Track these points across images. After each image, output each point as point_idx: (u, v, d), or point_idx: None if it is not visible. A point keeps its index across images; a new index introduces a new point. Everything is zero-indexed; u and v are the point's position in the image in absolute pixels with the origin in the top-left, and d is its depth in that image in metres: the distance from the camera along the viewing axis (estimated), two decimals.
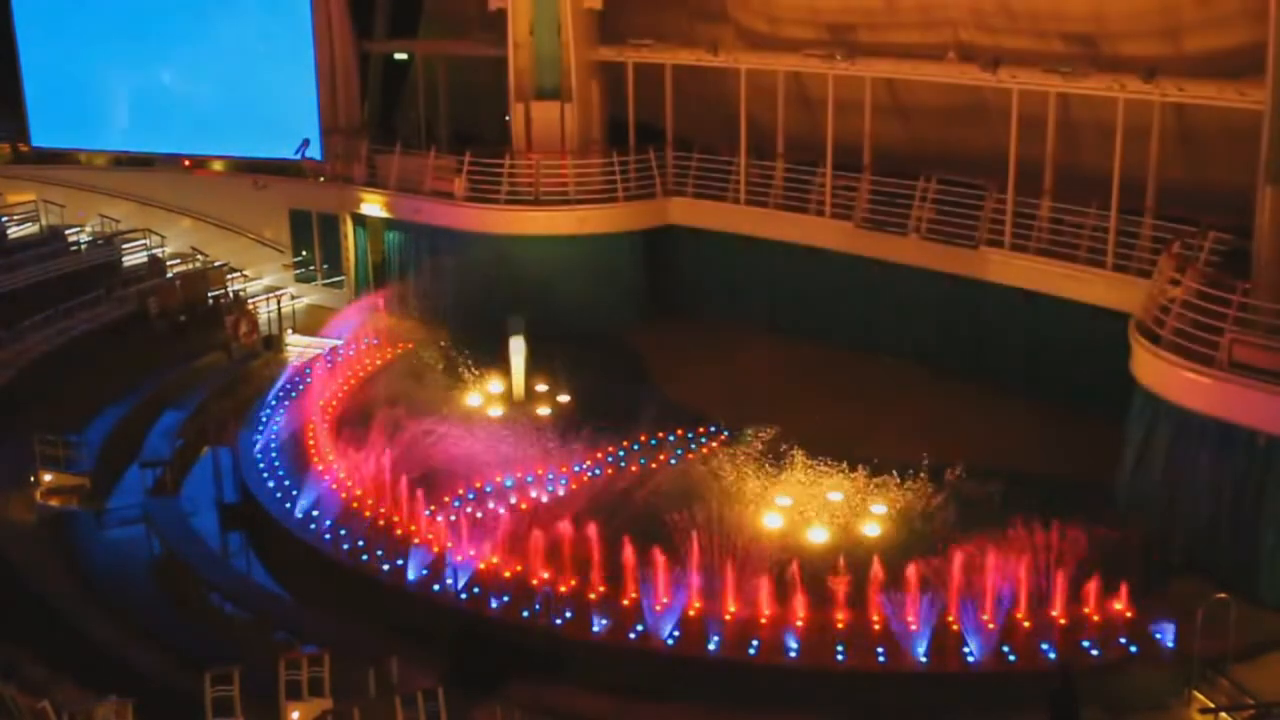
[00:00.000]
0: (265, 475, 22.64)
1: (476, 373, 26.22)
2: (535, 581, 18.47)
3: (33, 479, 22.71)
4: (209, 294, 31.92)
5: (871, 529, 20.07)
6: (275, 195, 34.45)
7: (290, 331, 31.00)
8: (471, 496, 21.17)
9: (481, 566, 18.88)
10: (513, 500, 21.16)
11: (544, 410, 25.57)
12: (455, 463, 21.99)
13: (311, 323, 31.98)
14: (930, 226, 26.67)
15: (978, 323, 26.45)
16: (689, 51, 30.86)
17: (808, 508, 20.62)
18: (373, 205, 32.25)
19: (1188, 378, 18.90)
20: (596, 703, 16.82)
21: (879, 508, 20.60)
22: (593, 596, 18.07)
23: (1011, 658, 16.67)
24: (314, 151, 34.16)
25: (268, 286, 33.85)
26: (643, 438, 23.62)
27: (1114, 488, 20.86)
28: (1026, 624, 17.10)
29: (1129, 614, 17.14)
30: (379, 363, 28.03)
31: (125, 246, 33.94)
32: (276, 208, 34.54)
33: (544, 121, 31.30)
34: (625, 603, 17.88)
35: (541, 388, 26.19)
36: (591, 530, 18.50)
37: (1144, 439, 20.06)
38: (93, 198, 35.66)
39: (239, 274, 33.83)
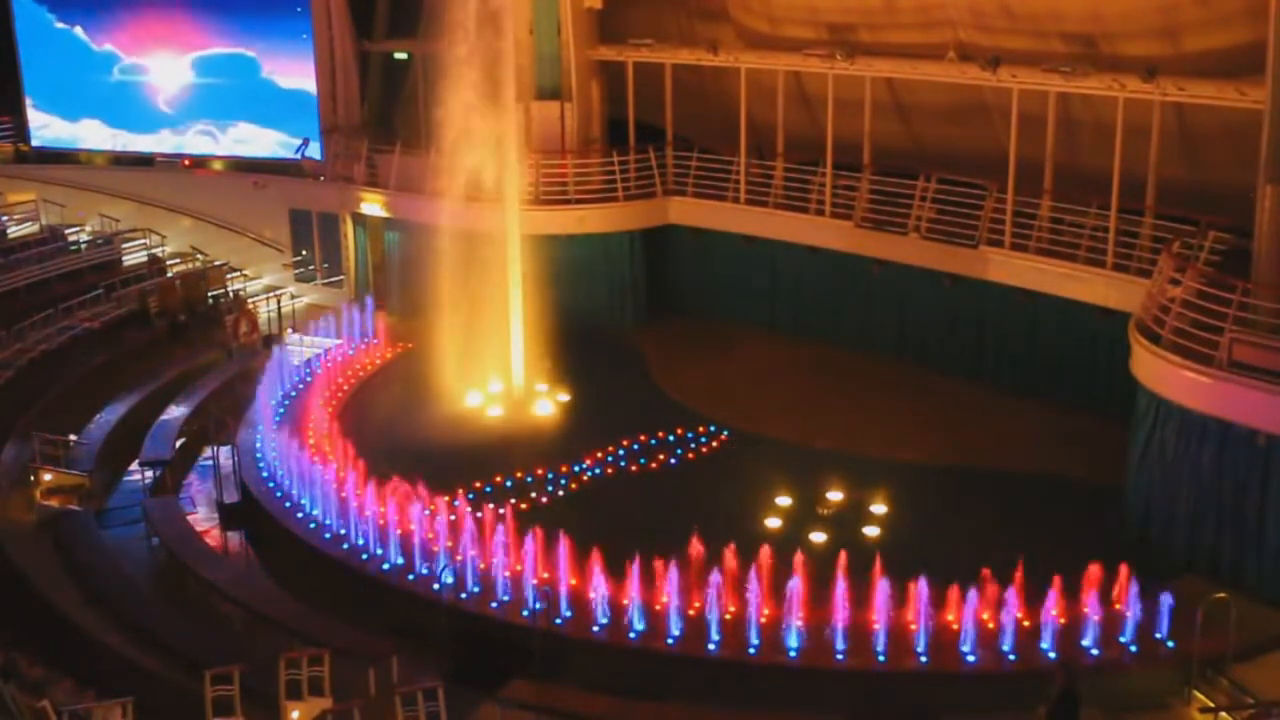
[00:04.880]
0: (265, 474, 22.65)
1: (475, 372, 26.21)
2: (536, 581, 18.47)
3: (32, 478, 22.70)
4: (209, 294, 31.94)
5: (872, 529, 20.10)
6: (275, 195, 34.45)
7: (290, 331, 31.01)
8: (471, 497, 21.16)
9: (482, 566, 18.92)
10: (512, 500, 21.18)
11: (543, 410, 25.59)
12: (454, 462, 22.01)
13: (311, 322, 31.96)
14: (930, 226, 26.68)
15: (978, 322, 26.45)
16: (689, 51, 30.88)
17: (807, 507, 20.65)
18: (373, 205, 32.27)
19: (1188, 377, 18.89)
20: (596, 703, 16.83)
21: (878, 507, 20.61)
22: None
23: (1011, 657, 16.72)
24: (314, 151, 34.20)
25: (267, 286, 33.87)
26: (642, 437, 23.63)
27: (1116, 488, 20.89)
28: (1026, 623, 17.14)
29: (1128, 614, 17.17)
30: (378, 362, 28.02)
31: (125, 246, 33.95)
32: (276, 207, 34.54)
33: (544, 121, 31.31)
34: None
35: (541, 387, 26.20)
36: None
37: (1145, 438, 20.06)
38: (93, 198, 35.66)
39: (239, 273, 33.84)
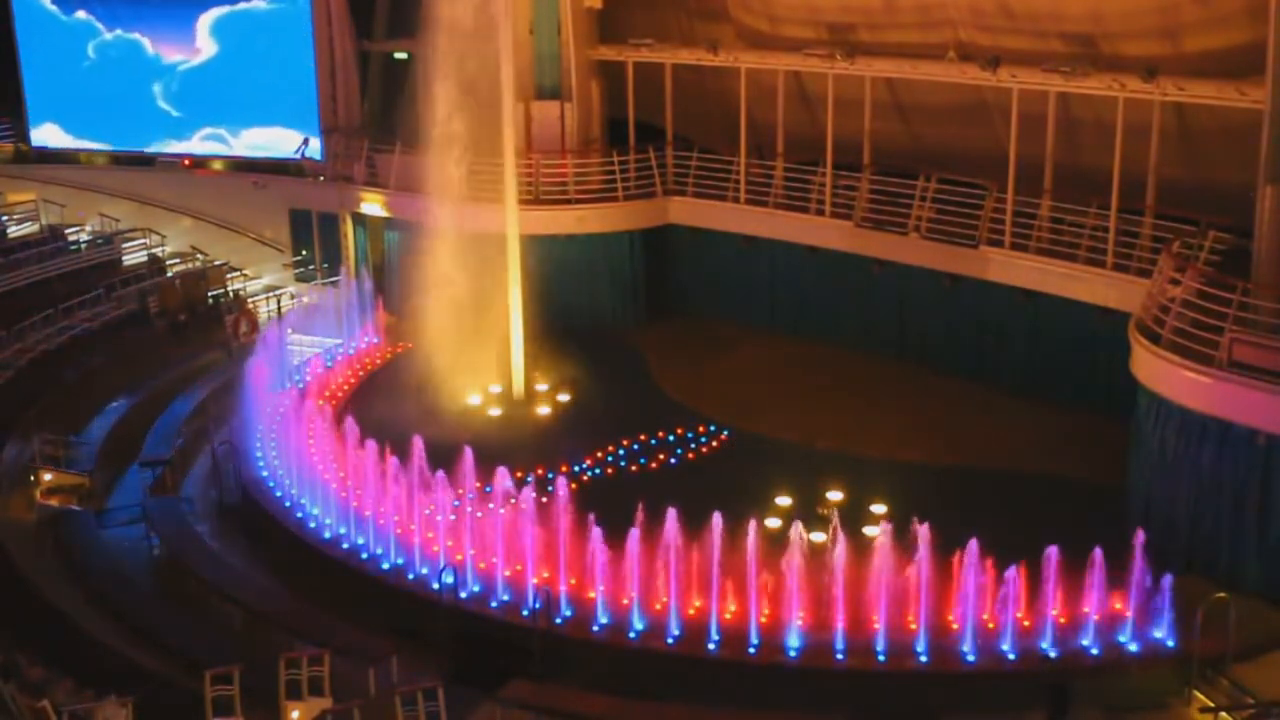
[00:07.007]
0: (265, 474, 22.63)
1: (475, 372, 26.20)
2: (536, 580, 18.47)
3: (33, 478, 22.71)
4: (209, 293, 31.95)
5: (871, 529, 20.07)
6: (275, 195, 34.45)
7: (290, 330, 30.97)
8: (471, 496, 21.14)
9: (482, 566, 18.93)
10: (512, 500, 21.15)
11: (543, 410, 25.58)
12: (454, 462, 21.97)
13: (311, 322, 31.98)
14: (930, 226, 26.67)
15: (978, 322, 26.44)
16: (689, 51, 30.88)
17: (806, 508, 20.62)
18: (373, 205, 32.26)
19: (1188, 377, 18.89)
20: (596, 703, 16.83)
21: (879, 507, 20.59)
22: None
23: (1011, 656, 16.72)
24: (314, 151, 34.19)
25: (268, 286, 33.87)
26: (642, 437, 23.61)
27: (1116, 488, 20.88)
28: (1027, 623, 17.14)
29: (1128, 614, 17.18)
30: (378, 361, 28.02)
31: (125, 246, 33.98)
32: (276, 207, 34.54)
33: (544, 121, 31.30)
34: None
35: (541, 387, 26.19)
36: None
37: (1146, 439, 20.06)
38: (93, 198, 35.65)
39: (239, 273, 33.84)
